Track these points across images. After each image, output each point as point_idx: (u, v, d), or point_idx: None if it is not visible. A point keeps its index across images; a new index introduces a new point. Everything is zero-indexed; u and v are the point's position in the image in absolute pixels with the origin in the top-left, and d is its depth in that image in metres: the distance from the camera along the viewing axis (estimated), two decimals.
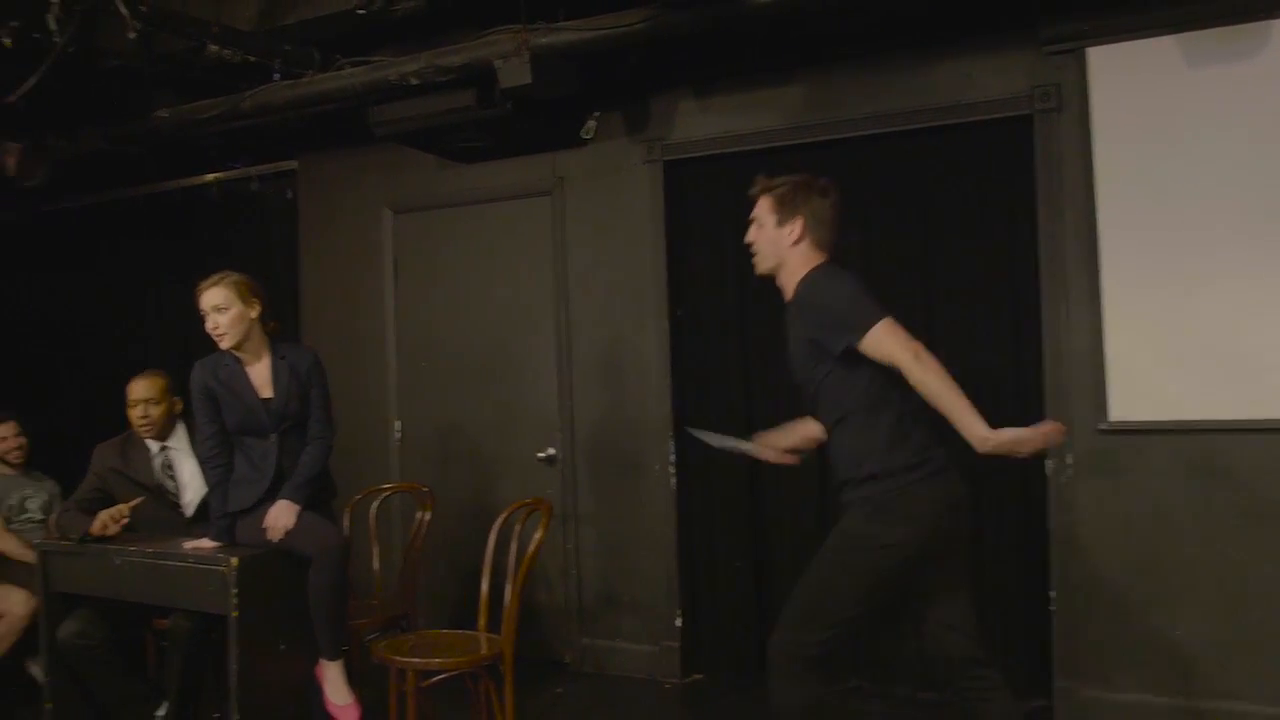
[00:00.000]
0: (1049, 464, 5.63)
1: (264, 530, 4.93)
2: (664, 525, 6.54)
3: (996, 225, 5.82)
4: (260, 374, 5.10)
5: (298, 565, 4.89)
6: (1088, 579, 5.54)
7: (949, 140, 5.81)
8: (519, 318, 6.94)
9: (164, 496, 5.59)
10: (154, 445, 5.73)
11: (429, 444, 7.33)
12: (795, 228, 4.15)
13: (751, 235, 4.23)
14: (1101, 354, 5.48)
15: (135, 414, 5.66)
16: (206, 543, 5.02)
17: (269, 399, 5.09)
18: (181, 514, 5.60)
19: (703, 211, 6.48)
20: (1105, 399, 5.49)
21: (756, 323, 6.26)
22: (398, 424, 7.48)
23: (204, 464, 5.08)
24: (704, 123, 6.34)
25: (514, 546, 5.21)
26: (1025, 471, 5.58)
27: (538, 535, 5.11)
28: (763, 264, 4.23)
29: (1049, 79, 5.61)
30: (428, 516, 6.01)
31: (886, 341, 3.89)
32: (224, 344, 5.01)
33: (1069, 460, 5.60)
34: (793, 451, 4.48)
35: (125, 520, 5.25)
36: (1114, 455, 5.49)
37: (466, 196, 7.12)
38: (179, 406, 5.74)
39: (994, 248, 5.81)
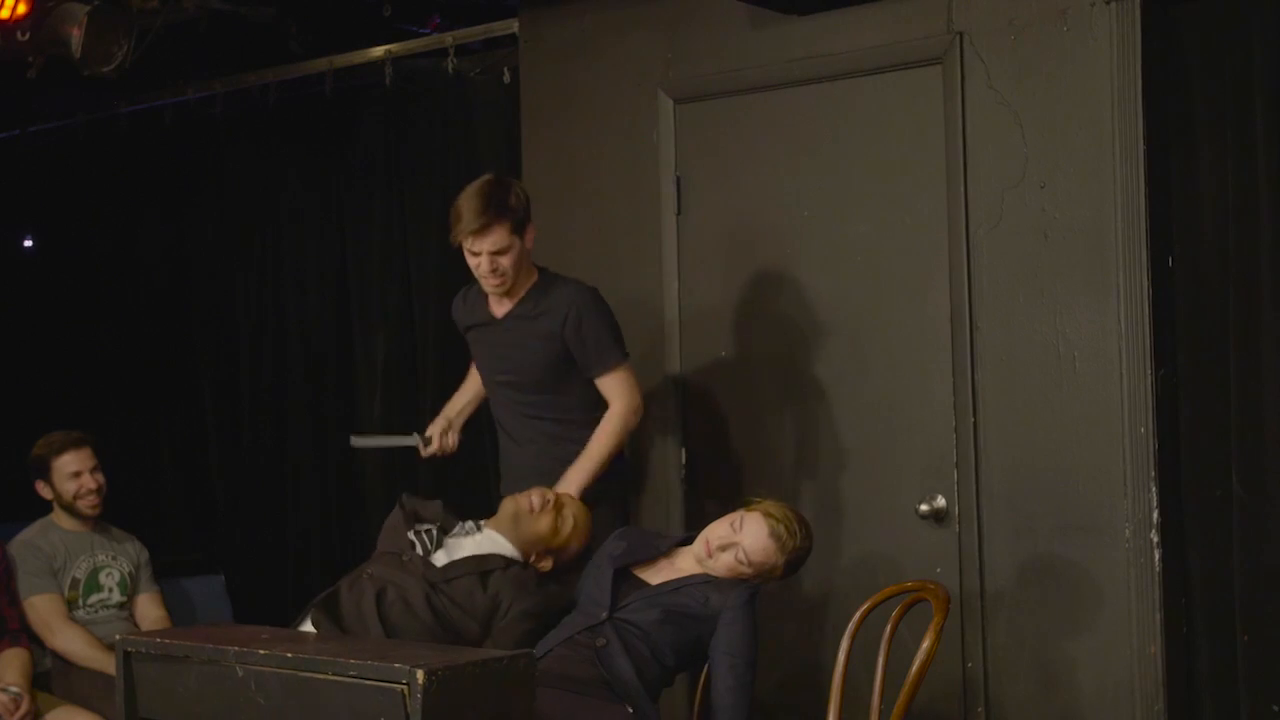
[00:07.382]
0: None
1: None
2: (1139, 630, 5.60)
3: None
4: None
5: (513, 679, 4.31)
6: None
7: None
8: (885, 276, 6.12)
9: None
10: None
11: (729, 485, 6.42)
12: (531, 234, 5.02)
13: (491, 267, 4.91)
14: None
15: None
16: None
17: None
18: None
19: (1215, 87, 5.52)
20: None
21: None
22: (683, 454, 6.55)
23: None
24: None
25: (882, 659, 4.98)
26: None
27: (926, 644, 4.85)
28: (503, 288, 4.98)
29: None
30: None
31: (628, 381, 5.08)
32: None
33: None
34: (462, 424, 5.43)
35: None
36: None
37: (796, 71, 6.25)
38: None
39: None
